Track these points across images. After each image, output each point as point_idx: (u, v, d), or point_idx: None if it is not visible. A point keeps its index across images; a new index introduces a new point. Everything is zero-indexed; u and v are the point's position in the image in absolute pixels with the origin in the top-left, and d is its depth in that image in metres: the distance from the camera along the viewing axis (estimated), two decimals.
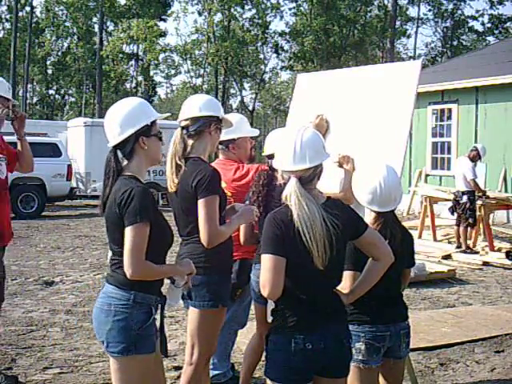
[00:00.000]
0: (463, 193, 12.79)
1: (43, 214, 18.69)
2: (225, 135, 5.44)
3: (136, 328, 3.43)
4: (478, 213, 13.06)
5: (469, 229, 12.94)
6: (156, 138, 3.64)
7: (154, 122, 3.62)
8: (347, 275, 3.77)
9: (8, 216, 5.74)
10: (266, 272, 3.29)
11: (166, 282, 3.68)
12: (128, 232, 3.36)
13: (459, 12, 51.65)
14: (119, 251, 3.44)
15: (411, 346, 4.26)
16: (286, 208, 3.35)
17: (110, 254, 3.91)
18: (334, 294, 3.46)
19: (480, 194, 13.07)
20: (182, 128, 4.42)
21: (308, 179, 3.36)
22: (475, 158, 13.08)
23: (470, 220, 12.64)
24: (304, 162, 3.35)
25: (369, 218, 3.99)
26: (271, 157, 5.04)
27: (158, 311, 3.57)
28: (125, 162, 3.57)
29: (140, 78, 53.13)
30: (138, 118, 3.56)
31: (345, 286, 3.69)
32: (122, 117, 3.55)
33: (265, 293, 3.31)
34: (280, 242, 3.28)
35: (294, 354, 3.31)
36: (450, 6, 51.33)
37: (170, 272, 3.64)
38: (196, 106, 4.45)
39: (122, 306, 3.43)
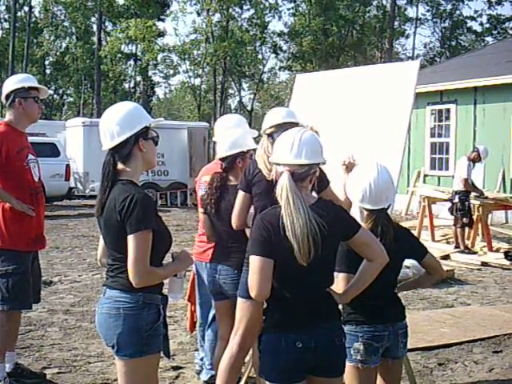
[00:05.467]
0: (456, 193, 12.81)
1: None
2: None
3: (147, 329, 3.43)
4: (476, 213, 13.07)
5: (467, 229, 12.93)
6: (152, 141, 3.63)
7: (149, 127, 3.61)
8: (340, 277, 3.79)
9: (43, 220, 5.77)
10: (253, 273, 3.32)
11: (165, 281, 3.68)
12: (131, 240, 3.34)
13: (458, 12, 51.61)
14: (120, 257, 3.43)
15: (410, 346, 4.27)
16: (275, 209, 3.38)
17: (99, 254, 3.89)
18: (325, 293, 3.47)
19: (477, 193, 13.07)
20: (268, 135, 4.74)
21: (300, 176, 3.38)
22: (476, 159, 13.07)
23: (465, 220, 12.63)
24: (299, 157, 3.38)
25: (361, 216, 4.01)
26: (224, 159, 5.11)
27: None
28: (121, 166, 3.54)
29: (138, 78, 53.06)
30: (139, 120, 3.55)
31: (338, 287, 3.71)
32: (123, 118, 3.52)
33: (252, 294, 3.33)
34: (267, 243, 3.31)
35: (284, 353, 3.33)
36: (449, 7, 51.31)
37: (173, 272, 3.64)
38: (280, 114, 4.80)
39: (132, 308, 3.43)
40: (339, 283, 3.77)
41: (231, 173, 5.10)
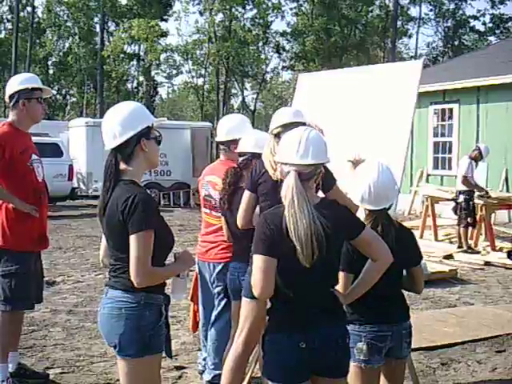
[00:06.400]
0: (460, 192, 12.80)
1: None
2: (226, 136, 5.49)
3: (149, 329, 3.43)
4: (479, 212, 13.06)
5: (470, 229, 12.92)
6: (155, 141, 3.62)
7: (152, 126, 3.61)
8: (340, 276, 3.77)
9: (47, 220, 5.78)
10: (256, 272, 3.31)
11: (168, 281, 3.68)
12: (133, 240, 3.34)
13: (460, 12, 51.59)
14: (122, 257, 3.43)
15: (412, 346, 4.26)
16: (278, 208, 3.38)
17: (101, 255, 3.90)
18: (330, 293, 3.46)
19: (482, 193, 13.06)
20: (275, 136, 4.65)
21: (306, 176, 3.37)
22: (477, 157, 13.06)
23: (469, 220, 12.62)
24: (306, 157, 3.37)
25: (362, 215, 4.00)
26: (242, 155, 5.13)
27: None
28: (123, 166, 3.54)
29: (141, 78, 53.13)
30: (140, 120, 3.54)
31: (338, 286, 3.71)
32: (124, 118, 3.52)
33: (256, 293, 3.33)
34: (270, 242, 3.30)
35: (288, 353, 3.33)
36: (452, 6, 51.26)
37: (175, 272, 3.63)
38: (287, 114, 4.73)
39: (133, 308, 3.42)
40: (339, 281, 3.77)
41: (246, 171, 5.09)
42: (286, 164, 3.42)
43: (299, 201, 3.27)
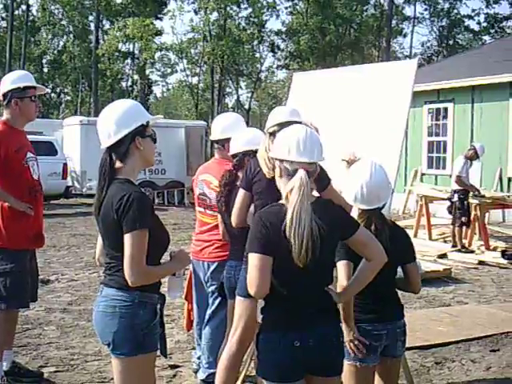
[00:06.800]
0: (455, 191, 12.82)
1: None
2: (221, 134, 5.49)
3: (143, 327, 3.42)
4: (473, 212, 13.07)
5: (464, 228, 12.94)
6: (150, 139, 3.61)
7: (147, 124, 3.60)
8: (341, 265, 3.76)
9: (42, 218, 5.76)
10: (252, 271, 3.30)
11: (163, 280, 3.67)
12: (127, 239, 3.33)
13: (455, 11, 51.65)
14: (117, 256, 3.42)
15: (407, 345, 4.26)
16: (274, 207, 3.37)
17: (97, 254, 3.89)
18: (324, 292, 3.44)
19: (473, 191, 13.08)
20: (270, 134, 4.62)
21: (310, 175, 3.36)
22: (473, 157, 13.08)
23: (463, 219, 12.64)
24: (312, 156, 3.37)
25: (355, 214, 4.00)
26: (235, 156, 5.12)
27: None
28: (118, 164, 3.53)
29: (136, 77, 53.02)
30: (135, 118, 3.53)
31: (340, 275, 3.69)
32: (118, 116, 3.52)
33: (252, 291, 3.32)
34: (266, 240, 3.29)
35: (282, 351, 3.32)
36: (446, 5, 51.32)
37: (170, 271, 3.63)
38: (283, 113, 4.74)
39: (128, 306, 3.42)
40: (341, 271, 3.75)
41: (240, 171, 5.09)
42: (289, 162, 3.38)
43: (306, 202, 3.25)
